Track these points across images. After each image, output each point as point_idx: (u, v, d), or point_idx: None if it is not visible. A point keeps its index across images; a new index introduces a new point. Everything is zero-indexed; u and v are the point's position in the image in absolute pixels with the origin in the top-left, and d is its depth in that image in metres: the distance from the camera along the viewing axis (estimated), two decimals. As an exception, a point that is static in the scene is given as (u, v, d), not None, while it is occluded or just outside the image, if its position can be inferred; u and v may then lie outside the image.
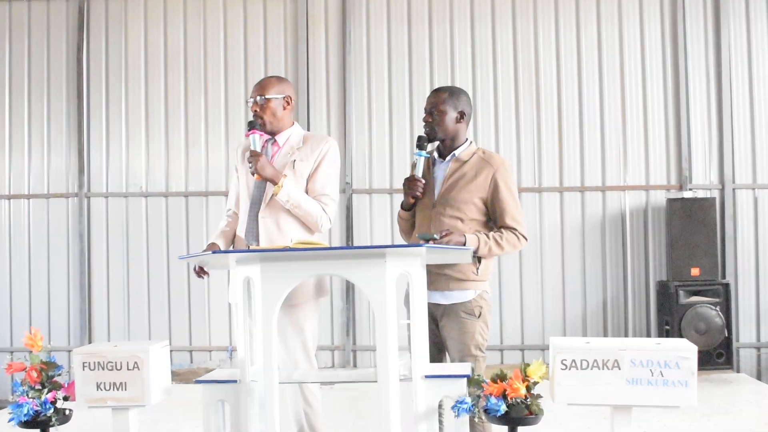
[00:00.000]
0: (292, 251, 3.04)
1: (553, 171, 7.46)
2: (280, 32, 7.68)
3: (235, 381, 3.14)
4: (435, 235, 3.35)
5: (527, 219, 7.30)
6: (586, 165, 7.46)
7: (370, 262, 2.95)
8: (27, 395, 3.19)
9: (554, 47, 7.51)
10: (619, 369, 2.87)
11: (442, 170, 3.73)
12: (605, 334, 7.37)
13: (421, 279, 3.16)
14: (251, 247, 3.72)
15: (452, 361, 3.64)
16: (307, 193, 3.84)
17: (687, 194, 7.15)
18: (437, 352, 3.69)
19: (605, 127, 7.46)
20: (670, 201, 7.08)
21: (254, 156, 3.74)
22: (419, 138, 3.72)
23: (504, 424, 2.96)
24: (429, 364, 3.22)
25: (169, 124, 7.67)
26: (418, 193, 3.69)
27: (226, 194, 7.48)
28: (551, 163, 7.47)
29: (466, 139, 3.78)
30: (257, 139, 3.81)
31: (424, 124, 3.74)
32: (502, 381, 2.94)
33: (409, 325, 3.12)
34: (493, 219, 3.66)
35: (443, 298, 3.62)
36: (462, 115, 3.72)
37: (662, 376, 2.84)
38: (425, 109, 3.75)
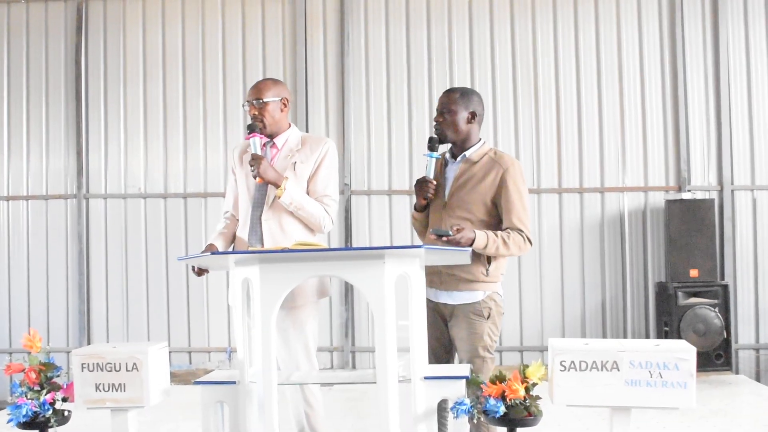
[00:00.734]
0: (290, 252, 3.04)
1: (551, 172, 7.47)
2: (278, 33, 7.68)
3: (234, 382, 3.14)
4: (449, 231, 3.35)
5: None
6: (584, 166, 7.46)
7: (368, 263, 2.95)
8: (26, 396, 3.19)
9: (552, 48, 7.52)
10: (618, 370, 2.87)
11: (453, 171, 3.71)
12: (604, 336, 7.37)
13: (420, 280, 3.16)
14: (250, 249, 3.72)
15: (461, 361, 3.62)
16: (308, 194, 3.84)
17: (686, 195, 7.15)
18: (445, 353, 3.69)
19: (604, 129, 7.46)
20: (669, 202, 7.09)
21: (256, 159, 3.73)
22: (430, 139, 3.71)
23: (503, 425, 2.96)
24: (428, 366, 3.22)
25: (167, 125, 7.67)
26: (430, 195, 3.68)
27: (224, 195, 7.48)
28: (550, 165, 7.47)
29: (479, 140, 3.75)
30: (257, 142, 3.79)
31: (435, 124, 3.72)
32: (501, 382, 2.94)
33: (407, 326, 3.12)
34: (501, 218, 3.63)
35: (451, 299, 3.61)
36: (473, 116, 3.69)
37: (661, 377, 2.84)
38: (437, 109, 3.73)
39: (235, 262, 3.18)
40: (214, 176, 7.63)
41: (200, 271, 3.71)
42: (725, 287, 6.96)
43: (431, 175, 3.69)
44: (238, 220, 3.98)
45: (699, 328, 6.80)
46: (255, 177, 3.74)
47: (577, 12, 7.51)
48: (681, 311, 6.84)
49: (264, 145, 3.90)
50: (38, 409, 3.16)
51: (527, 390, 2.92)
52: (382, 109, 7.56)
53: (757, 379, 7.18)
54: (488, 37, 7.56)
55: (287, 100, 3.94)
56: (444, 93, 3.75)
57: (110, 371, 3.18)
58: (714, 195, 7.34)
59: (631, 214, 7.44)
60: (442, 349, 3.66)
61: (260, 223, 3.81)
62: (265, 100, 3.83)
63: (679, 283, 6.91)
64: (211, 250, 3.74)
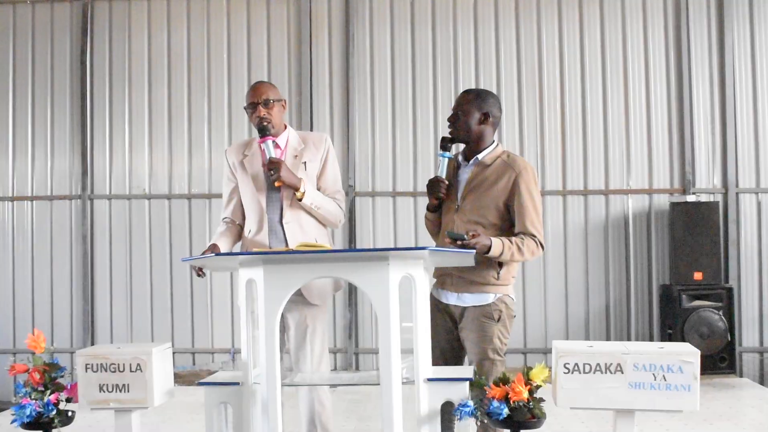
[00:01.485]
0: (294, 254, 3.04)
1: (556, 174, 7.46)
2: (283, 35, 7.68)
3: (237, 383, 3.14)
4: (464, 235, 3.34)
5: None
6: (589, 168, 7.46)
7: (372, 264, 2.95)
8: (30, 397, 3.19)
9: (557, 50, 7.51)
10: (622, 373, 2.86)
11: (465, 174, 3.69)
12: (608, 338, 7.36)
13: (424, 282, 3.15)
14: (253, 249, 3.72)
15: (470, 363, 3.62)
16: (318, 189, 3.88)
17: (690, 198, 7.14)
18: (454, 355, 3.68)
19: (608, 131, 7.46)
20: (674, 205, 7.08)
21: (276, 164, 3.70)
22: (443, 139, 3.71)
23: (506, 427, 2.96)
24: (432, 367, 3.22)
25: (172, 126, 7.69)
26: (442, 194, 3.67)
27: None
28: (554, 167, 7.46)
29: (493, 142, 3.73)
30: (271, 146, 3.77)
31: (448, 124, 3.73)
32: (504, 384, 2.94)
33: (411, 327, 3.12)
34: (513, 223, 3.60)
35: (461, 301, 3.60)
36: (486, 117, 3.66)
37: (665, 380, 2.83)
38: (452, 109, 3.73)
39: (239, 263, 3.18)
40: (218, 177, 7.62)
41: (200, 272, 3.71)
42: (729, 290, 6.94)
43: (443, 175, 3.69)
44: (239, 225, 3.97)
45: (703, 331, 6.79)
46: (274, 181, 3.73)
47: (582, 14, 7.51)
48: (685, 314, 6.82)
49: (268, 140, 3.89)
50: (42, 410, 3.16)
51: (531, 392, 2.92)
52: (386, 110, 7.56)
53: (761, 382, 7.17)
54: (493, 39, 7.56)
55: (285, 102, 3.99)
56: (461, 93, 3.76)
57: (114, 372, 3.18)
58: (719, 197, 7.33)
59: (636, 216, 7.43)
60: (451, 352, 3.65)
61: (281, 225, 3.80)
62: (271, 99, 3.85)
63: (684, 285, 6.90)
64: (214, 251, 3.74)
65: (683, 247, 6.96)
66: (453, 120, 3.70)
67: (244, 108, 3.94)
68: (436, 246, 3.73)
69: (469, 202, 3.62)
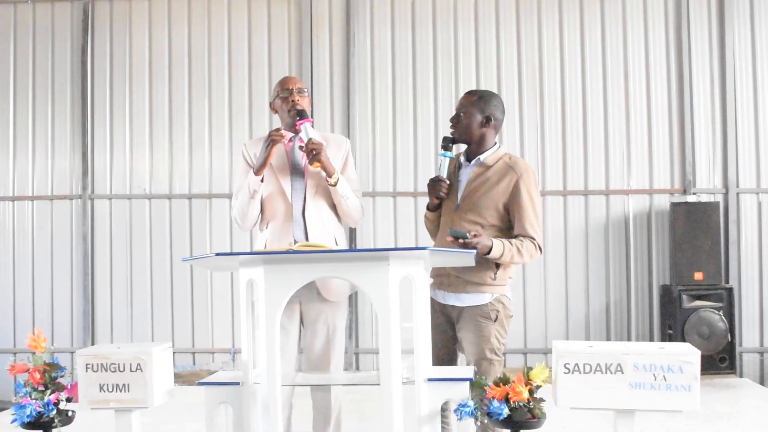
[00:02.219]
0: (295, 254, 3.04)
1: (556, 174, 7.46)
2: (284, 34, 7.69)
3: (237, 383, 3.14)
4: (467, 234, 3.36)
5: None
6: (589, 168, 7.46)
7: (373, 264, 2.95)
8: (30, 396, 3.19)
9: (558, 50, 7.51)
10: (622, 373, 2.86)
11: (466, 174, 3.71)
12: (608, 338, 7.36)
13: (424, 282, 3.15)
14: (294, 243, 3.71)
15: (467, 364, 3.63)
16: None
17: (691, 198, 7.15)
18: (451, 355, 3.70)
19: (609, 131, 7.46)
20: (674, 205, 7.08)
21: (317, 145, 3.68)
22: (444, 139, 3.73)
23: (506, 427, 2.95)
24: (432, 367, 3.22)
25: (173, 126, 7.69)
26: (442, 194, 3.69)
27: (229, 197, 7.50)
28: (555, 167, 7.46)
29: (495, 144, 3.74)
30: (309, 128, 3.75)
31: (450, 125, 3.75)
32: (504, 384, 2.94)
33: (411, 327, 3.12)
34: (513, 225, 3.62)
35: (458, 301, 3.62)
36: (488, 120, 3.68)
37: (665, 380, 2.83)
38: (456, 109, 3.77)
39: (239, 263, 3.18)
40: (219, 177, 7.63)
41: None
42: (730, 290, 6.94)
43: (445, 174, 3.71)
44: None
45: (703, 331, 6.79)
46: (312, 162, 3.69)
47: (583, 14, 7.51)
48: (685, 314, 6.83)
49: (290, 139, 3.88)
50: (42, 410, 3.16)
51: (531, 392, 2.92)
52: (387, 110, 7.56)
53: (761, 382, 7.17)
54: (494, 38, 7.56)
55: (311, 100, 4.02)
56: (464, 94, 3.78)
57: (114, 372, 3.18)
58: (719, 198, 7.33)
59: (636, 216, 7.43)
60: (445, 352, 3.67)
61: (303, 217, 3.80)
62: (304, 88, 3.93)
63: (684, 286, 6.90)
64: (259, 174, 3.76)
65: (684, 247, 6.96)
66: (455, 120, 3.72)
67: (273, 100, 3.96)
68: (435, 246, 3.75)
69: (470, 202, 3.63)
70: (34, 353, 3.27)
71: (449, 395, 3.03)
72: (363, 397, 6.09)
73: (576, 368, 2.90)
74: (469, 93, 3.76)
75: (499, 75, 7.54)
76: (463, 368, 3.39)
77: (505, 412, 2.89)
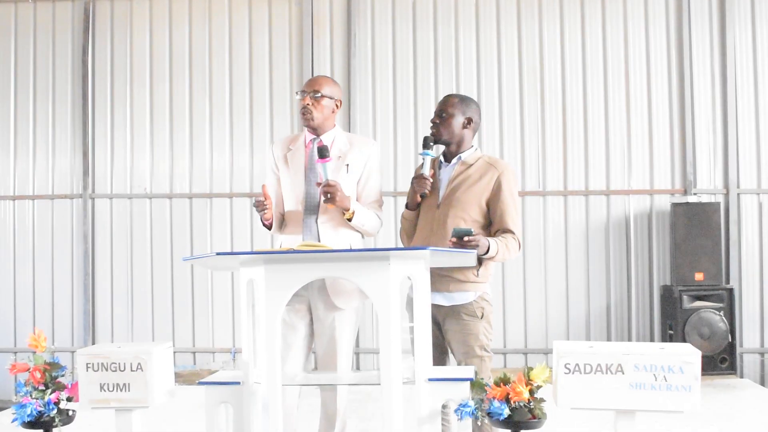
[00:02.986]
0: (296, 253, 3.04)
1: (557, 175, 7.46)
2: (284, 34, 7.69)
3: (238, 383, 3.15)
4: (471, 230, 3.40)
5: (531, 223, 7.37)
6: (590, 169, 7.45)
7: (374, 264, 2.95)
8: (30, 396, 3.19)
9: (559, 50, 7.51)
10: (623, 373, 2.86)
11: (447, 173, 3.79)
12: (609, 338, 7.35)
13: (425, 282, 3.16)
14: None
15: (458, 362, 3.66)
16: (358, 196, 3.86)
17: (691, 199, 7.14)
18: (439, 354, 3.71)
19: (610, 131, 7.45)
20: (675, 205, 7.07)
21: (332, 188, 3.65)
22: (425, 138, 3.78)
23: (507, 427, 2.95)
24: (432, 367, 3.22)
25: (173, 125, 7.69)
26: (426, 191, 3.75)
27: (230, 196, 7.51)
28: (555, 167, 7.46)
29: (472, 146, 3.85)
30: (330, 168, 3.71)
31: (431, 125, 3.81)
32: (505, 384, 2.94)
33: (412, 327, 3.12)
34: (492, 220, 3.71)
35: (444, 300, 3.66)
36: (469, 122, 3.80)
37: (666, 380, 2.83)
38: (435, 111, 3.83)
39: (240, 262, 3.18)
40: (219, 177, 7.64)
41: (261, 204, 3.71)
42: (730, 291, 6.94)
43: (428, 173, 3.75)
44: (280, 214, 3.93)
45: (704, 331, 6.79)
46: (325, 202, 3.69)
47: (584, 14, 7.51)
48: (686, 314, 6.82)
49: (311, 141, 3.86)
50: (43, 409, 3.16)
51: (531, 392, 2.92)
52: (388, 110, 7.56)
53: (762, 383, 7.17)
54: (495, 38, 7.56)
55: (340, 103, 3.94)
56: (444, 97, 3.86)
57: (115, 371, 3.18)
58: (720, 198, 7.33)
59: (637, 216, 7.43)
60: (437, 351, 3.68)
61: (317, 225, 3.79)
62: (322, 93, 3.82)
63: (685, 286, 6.90)
64: (264, 191, 3.73)
65: (684, 247, 6.96)
66: (437, 121, 3.80)
67: (296, 93, 3.98)
68: (413, 245, 3.83)
69: (452, 198, 3.71)
70: (34, 352, 3.27)
71: (449, 395, 3.03)
72: (364, 396, 6.09)
73: (576, 368, 2.90)
74: (450, 95, 3.86)
75: (500, 75, 7.53)
76: (464, 368, 3.39)
77: (506, 412, 2.89)
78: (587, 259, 7.44)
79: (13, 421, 3.19)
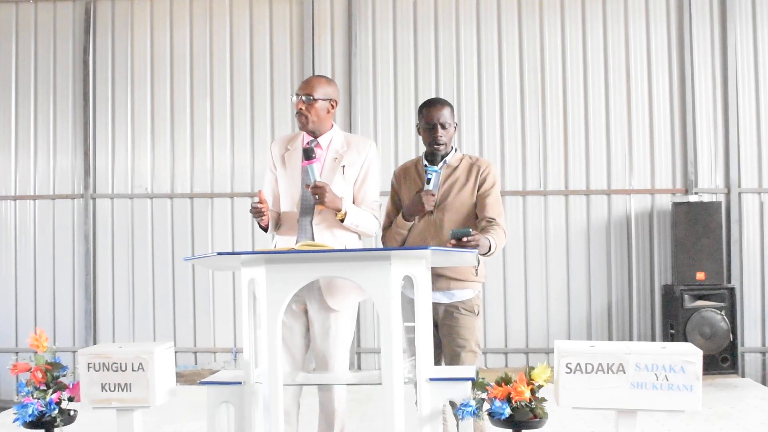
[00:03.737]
0: (297, 253, 3.04)
1: (558, 174, 7.46)
2: (285, 35, 7.69)
3: (239, 383, 3.15)
4: (469, 230, 3.43)
5: (532, 222, 7.38)
6: (591, 168, 7.45)
7: (374, 264, 2.95)
8: (32, 396, 3.20)
9: (560, 51, 7.51)
10: (624, 373, 2.86)
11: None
12: (610, 338, 7.36)
13: (426, 281, 3.16)
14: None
15: (449, 356, 3.71)
16: (354, 197, 3.86)
17: (692, 198, 7.14)
18: (435, 351, 3.73)
19: (611, 131, 7.45)
20: (676, 205, 7.07)
21: (320, 189, 3.67)
22: (433, 155, 3.80)
23: (508, 427, 2.95)
24: (433, 367, 3.22)
25: (174, 125, 7.69)
26: (431, 208, 3.76)
27: (231, 196, 7.52)
28: (556, 167, 7.46)
29: (452, 147, 3.93)
30: (316, 169, 3.74)
31: (438, 137, 3.79)
32: (506, 384, 2.94)
33: (409, 327, 3.12)
34: (478, 210, 3.79)
35: (445, 297, 3.74)
36: (456, 126, 3.93)
37: (667, 380, 2.83)
38: (436, 123, 3.80)
39: (241, 262, 3.18)
40: (221, 177, 7.64)
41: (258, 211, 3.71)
42: (732, 290, 6.94)
43: (434, 189, 3.77)
44: (277, 213, 3.93)
45: (705, 331, 6.79)
46: (315, 204, 3.71)
47: (585, 14, 7.51)
48: (687, 314, 6.82)
49: (308, 143, 3.85)
50: (44, 409, 3.17)
51: (533, 392, 2.92)
52: (389, 110, 7.56)
53: (763, 382, 7.17)
54: (495, 39, 7.55)
55: (336, 102, 3.91)
56: (438, 106, 3.84)
57: (116, 371, 3.18)
58: (721, 198, 7.33)
59: (638, 216, 7.43)
60: (437, 350, 3.73)
61: (311, 226, 3.78)
62: (315, 97, 3.80)
63: (686, 285, 6.90)
64: (261, 196, 3.73)
65: (685, 247, 6.96)
66: (442, 133, 3.80)
67: (291, 98, 3.93)
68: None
69: (446, 203, 3.79)
70: (36, 352, 3.28)
71: (451, 395, 3.03)
72: (365, 396, 6.10)
73: (578, 368, 2.90)
74: (442, 104, 3.86)
75: (500, 75, 7.53)
76: (465, 368, 3.39)
77: (507, 411, 2.90)
78: (588, 259, 7.44)
79: (15, 421, 3.20)
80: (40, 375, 3.22)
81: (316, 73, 7.46)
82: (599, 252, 7.43)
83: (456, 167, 3.85)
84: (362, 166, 3.88)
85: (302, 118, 3.81)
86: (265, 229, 3.84)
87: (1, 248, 7.75)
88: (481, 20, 7.56)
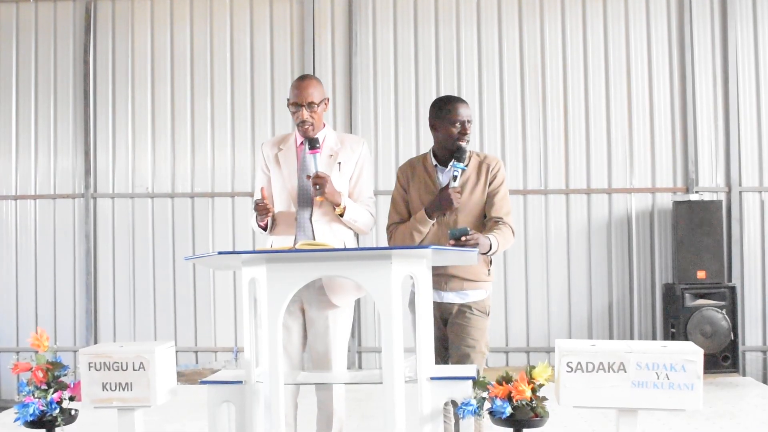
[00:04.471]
0: (298, 252, 3.04)
1: (559, 173, 7.46)
2: (286, 34, 7.68)
3: (240, 382, 3.15)
4: (467, 229, 3.43)
5: (533, 221, 7.37)
6: (592, 167, 7.45)
7: (375, 263, 2.95)
8: (33, 395, 3.20)
9: (560, 49, 7.51)
10: (625, 372, 2.86)
11: (447, 177, 3.74)
12: (611, 337, 7.36)
13: (427, 280, 3.16)
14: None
15: (456, 356, 3.67)
16: (350, 194, 3.86)
17: (693, 197, 7.14)
18: (443, 351, 3.74)
19: (611, 130, 7.45)
20: (677, 204, 7.07)
21: (322, 180, 3.67)
22: (460, 150, 3.69)
23: (509, 426, 2.95)
24: (434, 366, 3.22)
25: (175, 125, 7.69)
26: (457, 204, 3.68)
27: (231, 195, 7.51)
28: (557, 166, 7.46)
29: None
30: (319, 159, 3.75)
31: (465, 135, 3.72)
32: (507, 383, 2.94)
33: (414, 326, 3.12)
34: (486, 211, 3.76)
35: (458, 298, 3.70)
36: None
37: (668, 379, 2.83)
38: (462, 120, 3.72)
39: (242, 261, 3.18)
40: (221, 176, 7.64)
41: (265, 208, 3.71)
42: (733, 289, 6.94)
43: (458, 185, 3.69)
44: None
45: (706, 329, 6.79)
46: (316, 196, 3.70)
47: (586, 13, 7.50)
48: (688, 313, 6.82)
49: (302, 143, 3.85)
50: (45, 408, 3.17)
51: (534, 391, 2.92)
52: (389, 109, 7.56)
53: (764, 381, 7.17)
54: (496, 37, 7.55)
55: (328, 100, 3.94)
56: (462, 103, 3.78)
57: (117, 370, 3.18)
58: (722, 196, 7.32)
59: (639, 215, 7.42)
60: (442, 348, 3.72)
61: (311, 224, 3.79)
62: (317, 102, 3.81)
63: (687, 284, 6.90)
64: (264, 193, 3.76)
65: (686, 245, 6.95)
66: (468, 131, 3.75)
67: (288, 100, 3.86)
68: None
69: (460, 204, 3.71)
70: (37, 352, 3.28)
71: (452, 394, 3.03)
72: (365, 395, 6.10)
73: (579, 367, 2.90)
74: (463, 101, 3.80)
75: (501, 74, 7.53)
76: (466, 367, 3.39)
77: (508, 410, 2.90)
78: (589, 258, 7.44)
79: (16, 420, 3.20)
80: (41, 374, 3.22)
81: (316, 73, 7.47)
82: (600, 251, 7.43)
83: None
84: (356, 163, 3.90)
85: (307, 126, 3.81)
86: (265, 228, 3.84)
87: (2, 248, 7.75)
88: (481, 19, 7.56)
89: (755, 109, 7.37)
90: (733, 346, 6.86)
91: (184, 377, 7.14)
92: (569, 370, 2.91)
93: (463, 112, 3.73)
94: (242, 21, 7.70)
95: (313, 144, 3.75)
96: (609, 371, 2.88)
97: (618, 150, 7.45)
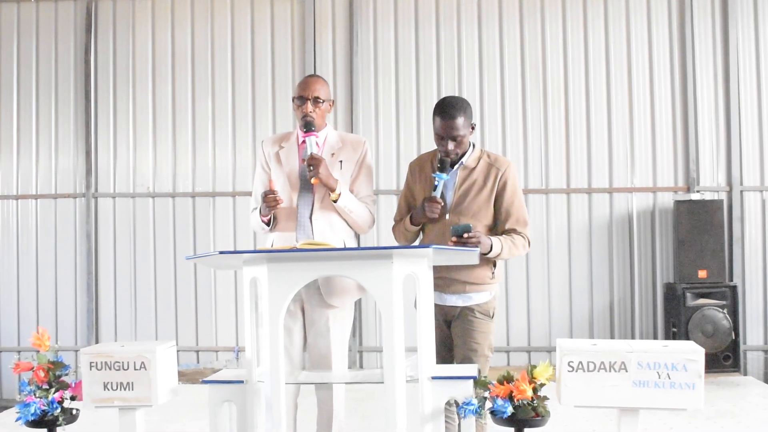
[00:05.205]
0: (299, 252, 3.04)
1: (560, 172, 7.45)
2: (287, 33, 7.68)
3: (241, 381, 3.15)
4: (469, 225, 3.41)
5: (534, 221, 7.35)
6: (593, 166, 7.45)
7: (377, 263, 2.95)
8: (34, 395, 3.20)
9: (561, 48, 7.50)
10: (626, 371, 2.86)
11: (451, 180, 3.69)
12: (612, 336, 7.36)
13: (428, 280, 3.16)
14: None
15: (461, 358, 3.65)
16: (351, 192, 3.86)
17: (694, 196, 7.14)
18: (448, 353, 3.72)
19: (612, 129, 7.45)
20: (678, 203, 7.07)
21: (316, 161, 3.67)
22: (442, 162, 3.61)
23: (510, 425, 2.96)
24: (435, 366, 3.22)
25: (176, 124, 7.69)
26: (435, 215, 3.62)
27: (232, 195, 7.51)
28: (558, 165, 7.46)
29: (470, 144, 3.76)
30: (314, 142, 3.77)
31: (451, 149, 3.62)
32: (508, 382, 2.94)
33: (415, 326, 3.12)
34: (498, 219, 3.68)
35: (461, 300, 3.66)
36: (473, 128, 3.72)
37: (669, 378, 2.83)
38: (447, 135, 3.60)
39: (243, 261, 3.18)
40: (222, 175, 7.64)
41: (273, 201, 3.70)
42: (734, 288, 6.93)
43: (438, 195, 3.64)
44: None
45: (707, 329, 6.78)
46: (311, 177, 3.70)
47: (587, 12, 7.50)
48: (689, 312, 6.82)
49: (303, 141, 3.85)
50: (46, 408, 3.17)
51: (535, 390, 2.92)
52: (390, 109, 7.55)
53: (766, 380, 7.16)
54: (497, 37, 7.55)
55: (333, 103, 3.98)
56: (448, 118, 3.59)
57: (118, 370, 3.18)
58: (723, 196, 7.32)
59: (640, 214, 7.42)
60: (445, 349, 3.70)
61: (311, 222, 3.79)
62: (323, 98, 3.84)
63: (688, 283, 6.89)
64: (272, 186, 3.75)
65: (687, 245, 6.95)
66: (453, 146, 3.62)
67: (293, 98, 3.88)
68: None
69: (461, 207, 3.66)
70: (38, 351, 3.28)
71: (453, 393, 3.03)
72: (366, 395, 6.09)
73: (580, 366, 2.90)
74: (452, 117, 3.59)
75: (502, 73, 7.53)
76: (467, 366, 3.39)
77: (509, 410, 2.90)
78: (590, 257, 7.44)
79: (17, 419, 3.20)
80: (42, 374, 3.23)
81: (317, 72, 7.47)
82: (601, 250, 7.43)
83: (473, 168, 3.68)
84: (357, 162, 3.90)
85: (309, 119, 3.81)
86: (268, 224, 3.83)
87: (4, 247, 7.76)
88: (482, 18, 7.56)
89: (756, 108, 7.36)
90: (734, 345, 6.86)
91: (185, 377, 7.14)
92: (570, 369, 2.91)
93: (445, 128, 3.59)
94: (243, 21, 7.70)
95: (308, 127, 3.76)
96: (610, 371, 2.88)
97: (619, 149, 7.44)
